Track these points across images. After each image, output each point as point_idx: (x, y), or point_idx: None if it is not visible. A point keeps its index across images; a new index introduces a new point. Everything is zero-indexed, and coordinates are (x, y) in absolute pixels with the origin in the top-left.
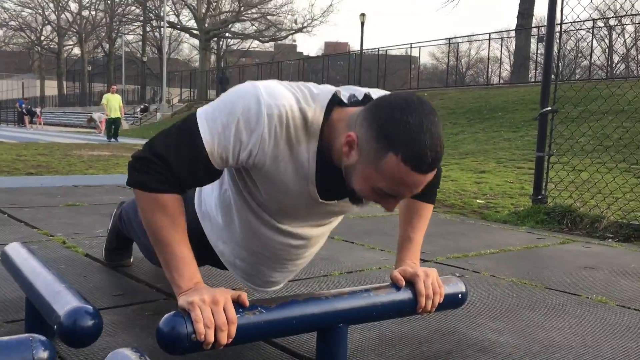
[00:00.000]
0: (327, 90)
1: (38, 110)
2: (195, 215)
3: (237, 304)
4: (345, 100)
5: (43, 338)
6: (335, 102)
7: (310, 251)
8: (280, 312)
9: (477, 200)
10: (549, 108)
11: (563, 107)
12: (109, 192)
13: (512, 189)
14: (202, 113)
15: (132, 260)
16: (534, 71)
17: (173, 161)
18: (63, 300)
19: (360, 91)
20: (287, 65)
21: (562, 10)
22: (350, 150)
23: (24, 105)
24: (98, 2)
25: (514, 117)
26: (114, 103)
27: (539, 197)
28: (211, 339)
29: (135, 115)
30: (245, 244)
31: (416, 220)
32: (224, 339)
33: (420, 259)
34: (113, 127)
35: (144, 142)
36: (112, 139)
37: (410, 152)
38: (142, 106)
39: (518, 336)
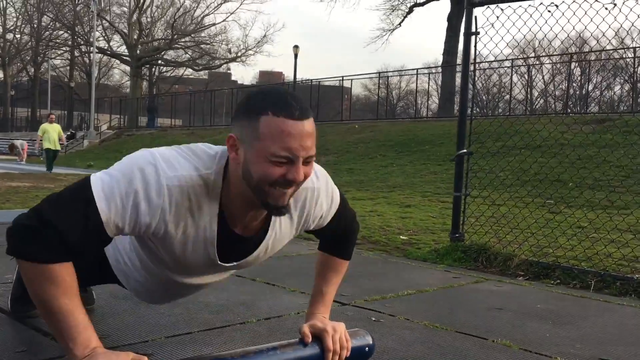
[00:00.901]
0: (223, 151)
1: None
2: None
3: None
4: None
5: None
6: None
7: (210, 287)
8: None
9: (401, 237)
10: (465, 150)
11: (482, 143)
12: None
13: (435, 224)
14: (98, 181)
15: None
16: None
17: (64, 229)
18: None
19: None
20: (220, 93)
21: (475, 53)
22: (236, 152)
23: None
24: (23, 25)
25: (440, 150)
26: (52, 134)
27: (457, 235)
28: None
29: (61, 143)
30: (147, 286)
31: (330, 275)
32: None
33: (340, 303)
34: (52, 158)
35: (70, 170)
36: (49, 171)
37: (276, 106)
38: (68, 132)
39: None
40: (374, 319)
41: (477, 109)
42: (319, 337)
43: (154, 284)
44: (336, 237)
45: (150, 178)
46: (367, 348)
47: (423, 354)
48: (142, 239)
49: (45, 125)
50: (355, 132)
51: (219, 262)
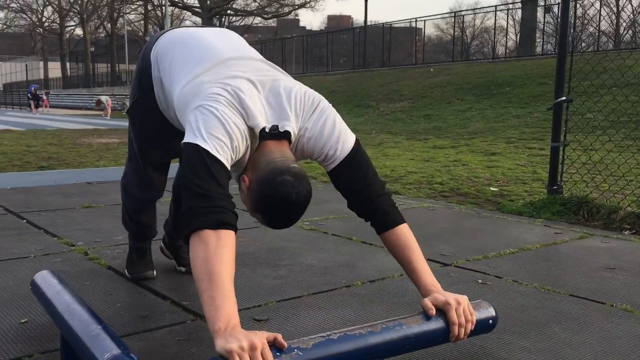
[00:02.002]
0: (257, 125)
1: (44, 93)
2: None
3: (274, 346)
4: (271, 121)
5: None
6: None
7: None
8: (316, 352)
9: (491, 188)
10: (564, 98)
11: (567, 83)
12: None
13: (525, 174)
14: (206, 144)
15: (154, 272)
16: (540, 41)
17: (223, 190)
18: (102, 346)
19: (287, 109)
20: (290, 41)
21: None
22: (243, 184)
23: (35, 89)
24: None
25: (522, 92)
26: None
27: (555, 187)
28: None
29: None
30: None
31: (403, 253)
32: None
33: (441, 263)
34: None
35: None
36: None
37: (269, 221)
38: None
39: (548, 356)
40: (480, 281)
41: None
42: (442, 310)
43: None
44: (366, 197)
45: (231, 126)
46: (490, 320)
47: (541, 320)
48: None
49: None
50: (430, 76)
51: None
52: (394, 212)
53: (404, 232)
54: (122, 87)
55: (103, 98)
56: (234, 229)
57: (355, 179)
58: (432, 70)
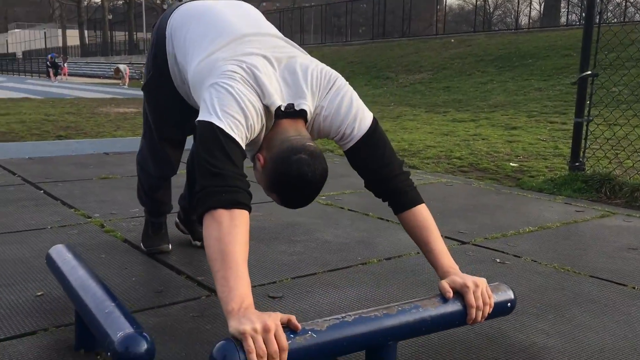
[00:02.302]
0: (273, 103)
1: (62, 61)
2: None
3: (288, 328)
4: (287, 100)
5: None
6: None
7: None
8: (331, 334)
9: (511, 163)
10: (589, 72)
11: (593, 56)
12: None
13: (546, 149)
14: (221, 123)
15: (170, 246)
16: (564, 11)
17: (230, 167)
18: (115, 324)
19: (303, 87)
20: (308, 10)
21: None
22: (258, 162)
23: (54, 58)
24: None
25: (545, 64)
26: None
27: (577, 164)
28: None
29: None
30: None
31: (421, 234)
32: None
33: (459, 241)
34: None
35: None
36: None
37: (284, 201)
38: None
39: (566, 340)
40: (498, 260)
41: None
42: (460, 292)
43: None
44: (384, 176)
45: (248, 104)
46: (509, 303)
47: (560, 302)
48: None
49: None
50: (450, 47)
51: None
52: (412, 192)
53: (422, 212)
54: (139, 55)
55: (121, 67)
56: (248, 208)
57: (372, 158)
58: (452, 41)
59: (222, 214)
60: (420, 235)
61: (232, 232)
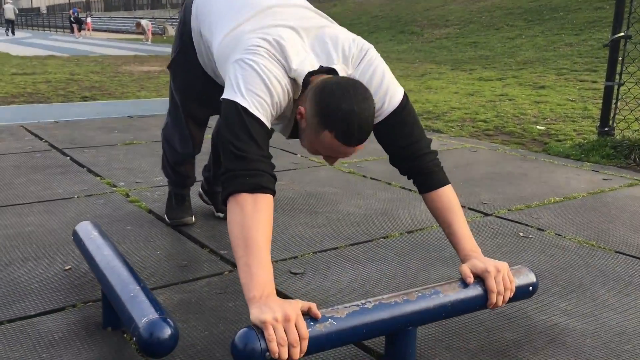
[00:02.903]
0: (302, 71)
1: (86, 17)
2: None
3: (308, 316)
4: (317, 66)
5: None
6: (310, 76)
7: None
8: (350, 321)
9: (537, 127)
10: (622, 34)
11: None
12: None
13: (574, 110)
14: (246, 102)
15: (193, 218)
16: None
17: (261, 151)
18: (140, 309)
19: (334, 57)
20: None
21: None
22: (301, 119)
23: (76, 13)
24: None
25: (577, 17)
26: None
27: (606, 129)
28: (285, 356)
29: None
30: None
31: (445, 216)
32: (296, 355)
33: (482, 213)
34: None
35: None
36: None
37: (340, 131)
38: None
39: (588, 321)
40: (522, 234)
41: None
42: (481, 277)
43: None
44: (411, 155)
45: (272, 81)
46: (530, 287)
47: (583, 280)
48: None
49: None
50: (478, 0)
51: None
52: (439, 173)
53: (447, 193)
54: (162, 10)
55: (143, 22)
56: (272, 192)
57: (400, 135)
58: None
59: (245, 198)
60: (444, 217)
61: (254, 217)
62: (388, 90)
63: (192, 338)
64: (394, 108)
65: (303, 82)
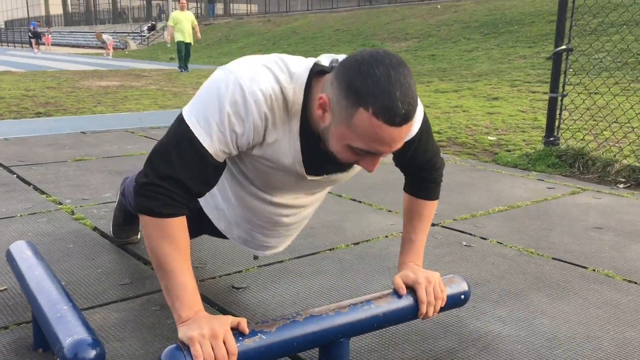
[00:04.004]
0: (305, 65)
1: (46, 31)
2: None
3: (237, 331)
4: (327, 65)
5: None
6: (313, 74)
7: (303, 215)
8: (281, 335)
9: (489, 137)
10: (564, 47)
11: (577, 21)
12: (117, 140)
13: (525, 121)
14: (192, 117)
15: (139, 236)
16: None
17: (185, 177)
18: (65, 329)
19: (342, 56)
20: None
21: None
22: (323, 112)
23: (35, 27)
24: None
25: (531, 30)
26: (185, 24)
27: (551, 138)
28: None
29: (143, 34)
30: (238, 213)
31: (417, 221)
32: None
33: None
34: (184, 53)
35: (154, 65)
36: (182, 69)
37: (380, 104)
38: (149, 24)
39: (522, 327)
40: (465, 243)
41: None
42: (412, 288)
43: (244, 211)
44: (419, 170)
45: (237, 97)
46: (462, 296)
47: (518, 287)
48: (231, 158)
49: (176, 14)
50: (437, 14)
51: (307, 176)
52: (438, 187)
53: (431, 206)
54: (124, 24)
55: (105, 36)
56: (178, 215)
57: (418, 156)
58: (439, 7)
59: (149, 221)
60: (414, 222)
61: (162, 243)
62: (418, 113)
63: (125, 357)
64: (418, 129)
65: (310, 81)
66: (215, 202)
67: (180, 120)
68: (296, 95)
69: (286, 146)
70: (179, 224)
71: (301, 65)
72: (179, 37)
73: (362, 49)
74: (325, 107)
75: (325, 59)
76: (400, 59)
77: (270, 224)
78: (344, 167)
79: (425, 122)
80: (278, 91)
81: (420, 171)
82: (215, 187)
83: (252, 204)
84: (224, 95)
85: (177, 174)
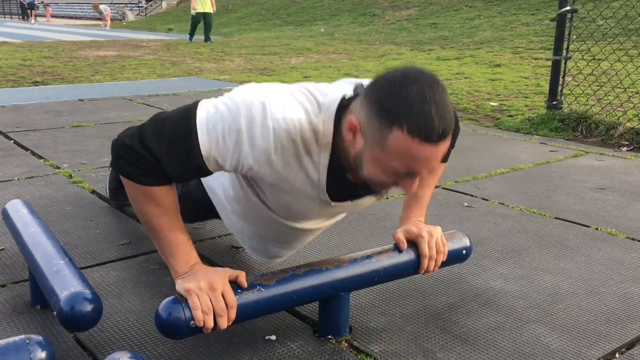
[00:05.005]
0: (334, 96)
1: (41, 3)
2: (202, 186)
3: (236, 284)
4: (352, 91)
5: (39, 338)
6: (344, 106)
7: (321, 231)
8: (280, 288)
9: (491, 103)
10: (568, 8)
11: None
12: (115, 108)
13: (527, 87)
14: (204, 112)
15: None
16: None
17: (164, 160)
18: (62, 282)
19: (365, 81)
20: None
21: None
22: (354, 137)
23: None
24: None
25: None
26: None
27: (554, 102)
28: (210, 324)
29: (140, 5)
30: (253, 229)
31: (422, 183)
32: (223, 324)
33: None
34: (204, 23)
35: (152, 36)
36: (208, 40)
37: (415, 122)
38: None
39: (523, 283)
40: (466, 204)
41: None
42: (414, 242)
43: (260, 227)
44: None
45: (257, 116)
46: (464, 251)
47: (520, 245)
48: (248, 181)
49: None
50: None
51: (332, 203)
52: (448, 152)
53: (442, 165)
54: None
55: (102, 7)
56: (162, 184)
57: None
58: None
59: (133, 186)
60: (422, 179)
61: (147, 207)
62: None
63: (125, 313)
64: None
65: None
66: (229, 206)
67: (193, 106)
68: (326, 127)
69: (309, 177)
70: (163, 189)
71: (328, 95)
72: (198, 8)
73: (394, 68)
74: (355, 130)
75: (347, 86)
76: (434, 77)
77: (284, 240)
78: (365, 193)
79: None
80: (306, 123)
81: None
82: (230, 200)
83: (270, 226)
84: (244, 111)
85: (159, 153)
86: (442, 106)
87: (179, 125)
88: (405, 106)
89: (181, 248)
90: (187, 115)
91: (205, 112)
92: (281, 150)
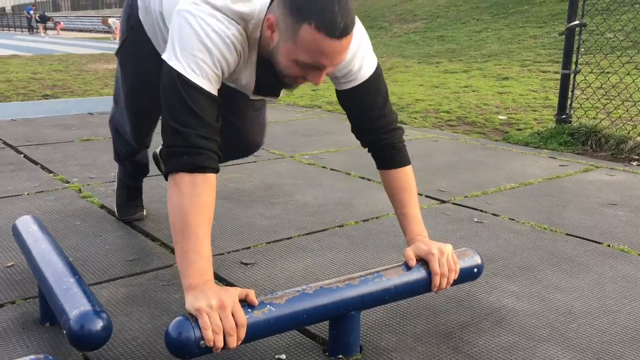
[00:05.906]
0: (264, 1)
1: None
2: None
3: (246, 303)
4: None
5: (50, 359)
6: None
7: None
8: (290, 307)
9: (499, 116)
10: (577, 22)
11: None
12: None
13: (536, 100)
14: (185, 67)
15: (144, 213)
16: None
17: (210, 119)
18: (71, 301)
19: None
20: None
21: None
22: (272, 33)
23: (32, 12)
24: None
25: (541, 10)
26: None
27: (563, 116)
28: (220, 344)
29: None
30: None
31: (401, 196)
32: (233, 343)
33: (438, 200)
34: None
35: None
36: None
37: (321, 19)
38: None
39: (535, 301)
40: (476, 219)
41: None
42: (425, 260)
43: None
44: (377, 130)
45: (216, 38)
46: (475, 269)
47: (532, 262)
48: None
49: None
50: None
51: (251, 96)
52: (402, 152)
53: (407, 173)
54: None
55: (111, 20)
56: (213, 170)
57: (373, 104)
58: None
59: (183, 179)
60: (400, 197)
61: (192, 201)
62: (366, 55)
63: (134, 331)
64: (370, 74)
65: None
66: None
67: (175, 75)
68: (255, 29)
69: (246, 73)
70: (212, 185)
71: (253, 9)
72: None
73: None
74: (273, 27)
75: None
76: None
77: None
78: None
79: (378, 76)
80: (237, 32)
81: (379, 131)
82: None
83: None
84: (208, 41)
85: (192, 122)
86: (344, 6)
87: (182, 95)
88: (314, 5)
89: (204, 259)
90: (179, 82)
91: (187, 66)
92: (221, 54)
